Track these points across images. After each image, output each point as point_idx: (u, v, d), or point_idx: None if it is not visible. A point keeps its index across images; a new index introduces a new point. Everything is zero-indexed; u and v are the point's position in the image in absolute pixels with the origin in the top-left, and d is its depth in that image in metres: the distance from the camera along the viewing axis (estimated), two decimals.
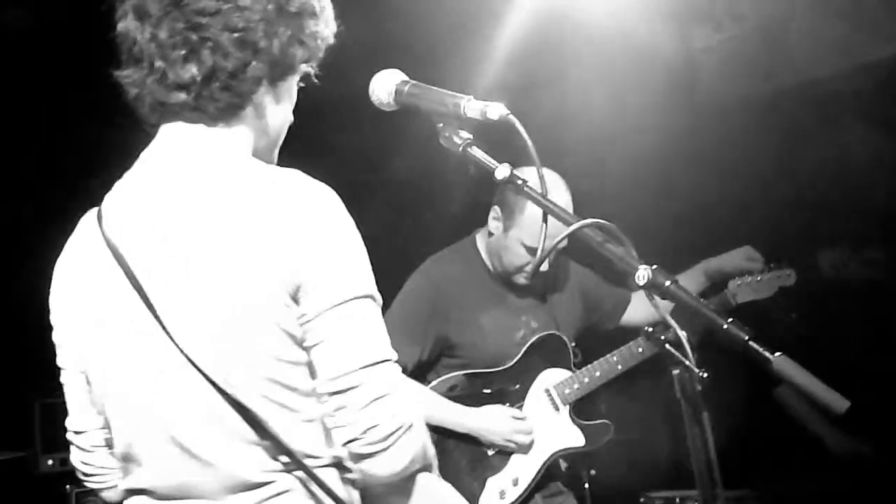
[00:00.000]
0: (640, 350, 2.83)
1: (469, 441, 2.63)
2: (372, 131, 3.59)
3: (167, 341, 1.58)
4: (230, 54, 1.60)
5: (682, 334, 1.38)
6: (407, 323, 2.59)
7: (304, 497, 1.61)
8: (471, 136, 1.68)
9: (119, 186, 1.72)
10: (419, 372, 2.65)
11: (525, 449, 2.75)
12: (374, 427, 1.52)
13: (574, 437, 2.82)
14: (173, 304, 1.59)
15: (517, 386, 2.82)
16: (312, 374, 1.57)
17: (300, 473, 1.61)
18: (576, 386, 2.84)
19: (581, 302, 2.92)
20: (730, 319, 1.29)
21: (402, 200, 4.38)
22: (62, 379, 1.80)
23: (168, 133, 1.66)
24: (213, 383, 1.56)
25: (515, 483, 2.73)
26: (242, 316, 1.56)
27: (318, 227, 1.56)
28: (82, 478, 1.87)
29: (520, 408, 2.80)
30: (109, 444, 1.78)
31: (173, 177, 1.64)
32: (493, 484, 2.72)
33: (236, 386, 1.56)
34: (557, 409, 2.84)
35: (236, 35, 1.59)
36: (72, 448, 1.86)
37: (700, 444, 1.28)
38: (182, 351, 1.57)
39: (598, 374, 2.80)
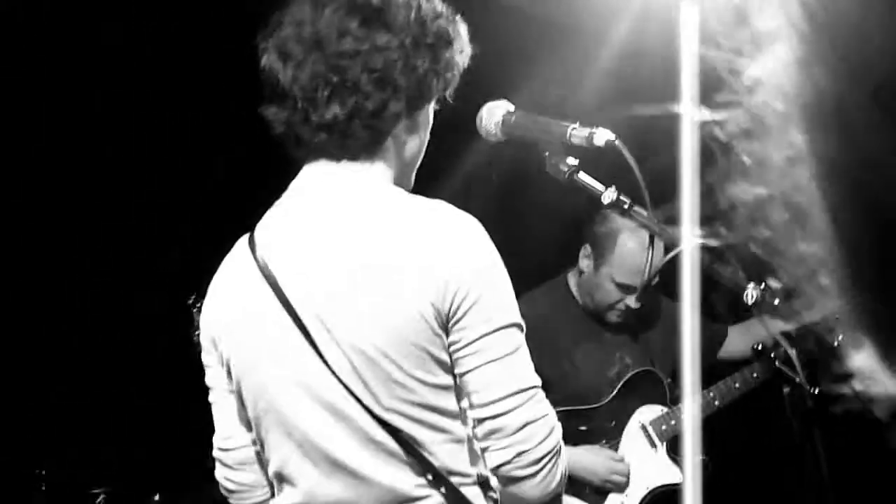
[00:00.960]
0: (741, 382, 2.91)
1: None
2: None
3: (322, 367, 1.66)
4: (370, 95, 1.66)
5: (792, 352, 1.40)
6: None
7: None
8: (577, 163, 1.71)
9: (270, 216, 1.80)
10: None
11: (622, 488, 2.81)
12: (526, 451, 1.59)
13: (671, 475, 2.93)
14: (328, 332, 1.66)
15: (613, 423, 2.93)
16: (459, 398, 1.64)
17: (449, 491, 1.67)
18: (672, 422, 2.93)
19: (676, 337, 2.94)
20: (840, 337, 1.32)
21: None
22: (210, 398, 1.88)
23: (314, 169, 1.74)
24: (367, 408, 1.63)
25: None
26: (395, 343, 1.63)
27: (470, 257, 1.62)
28: (226, 494, 1.93)
29: (616, 445, 2.89)
30: (257, 462, 1.87)
31: (324, 210, 1.72)
32: None
33: (388, 409, 1.63)
34: (654, 445, 2.92)
35: (375, 75, 1.65)
36: (217, 465, 1.92)
37: (812, 463, 1.30)
38: (336, 376, 1.65)
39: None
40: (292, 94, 1.66)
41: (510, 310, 1.62)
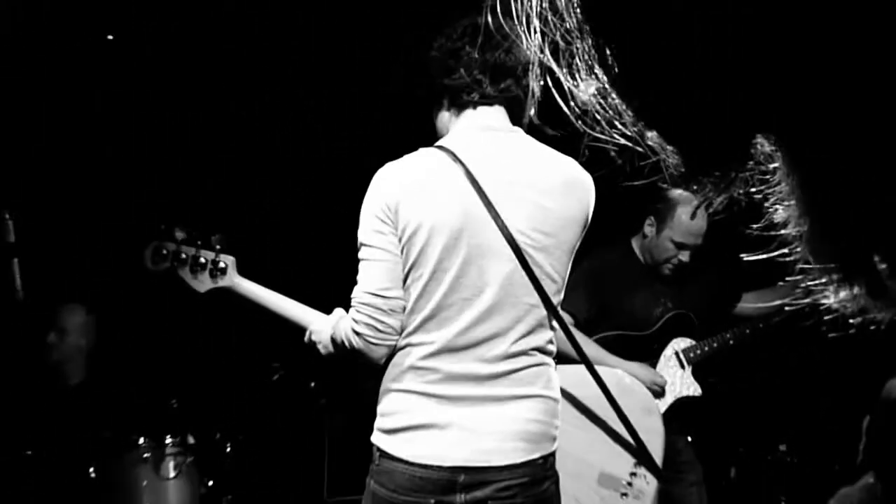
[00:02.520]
0: (751, 329, 3.49)
1: None
2: None
3: (507, 247, 1.99)
4: (522, 78, 2.07)
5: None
6: (580, 290, 3.27)
7: (548, 373, 2.08)
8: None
9: (456, 139, 2.10)
10: (588, 327, 3.34)
11: (658, 395, 3.34)
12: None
13: (693, 389, 3.53)
14: (512, 216, 2.00)
15: (655, 347, 3.54)
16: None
17: (549, 357, 2.09)
18: (698, 352, 3.55)
19: (707, 292, 3.66)
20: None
21: None
22: (368, 255, 2.02)
23: (494, 118, 2.10)
24: (534, 276, 1.99)
25: None
26: (565, 239, 2.06)
27: (593, 190, 2.08)
28: (370, 336, 2.01)
29: (655, 363, 3.50)
30: (402, 312, 2.03)
31: (521, 146, 2.09)
32: None
33: (542, 276, 2.02)
34: (683, 367, 3.54)
35: (521, 67, 2.07)
36: (369, 310, 2.01)
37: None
38: (520, 253, 1.99)
39: (715, 345, 3.56)
40: (476, 77, 2.05)
41: None
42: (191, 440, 3.60)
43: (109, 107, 4.02)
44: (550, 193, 2.03)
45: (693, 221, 3.44)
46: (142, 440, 3.48)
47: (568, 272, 2.10)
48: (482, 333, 1.98)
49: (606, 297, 3.47)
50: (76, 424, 3.65)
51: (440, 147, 2.05)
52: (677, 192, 3.43)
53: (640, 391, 2.58)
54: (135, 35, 3.84)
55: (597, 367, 2.33)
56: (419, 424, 1.99)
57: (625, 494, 2.50)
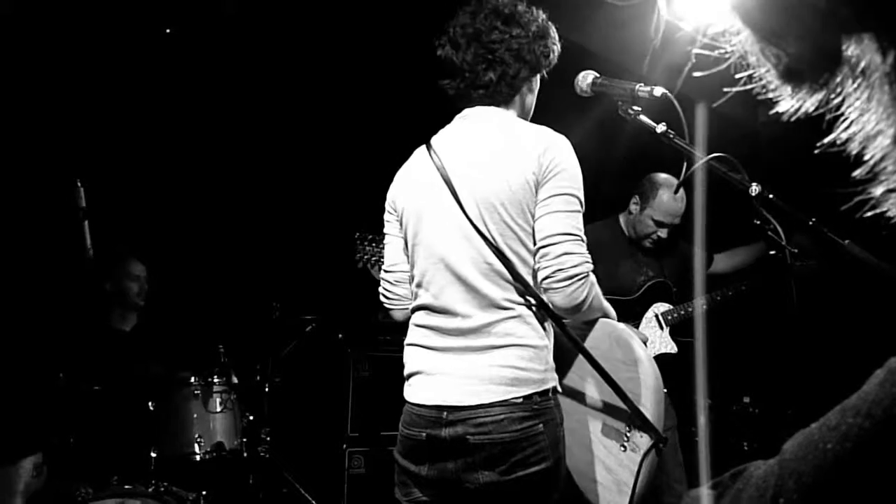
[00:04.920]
0: (733, 291, 3.72)
1: None
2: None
3: (461, 214, 2.08)
4: (510, 65, 2.09)
5: (779, 229, 1.76)
6: None
7: (524, 323, 2.10)
8: (640, 109, 2.02)
9: (441, 134, 2.21)
10: None
11: None
12: (559, 270, 2.00)
13: (670, 347, 3.83)
14: (468, 193, 2.08)
15: (638, 309, 3.83)
16: (534, 239, 2.05)
17: (521, 307, 2.11)
18: (675, 315, 3.86)
19: (682, 263, 3.97)
20: (813, 220, 1.64)
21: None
22: (387, 240, 2.28)
23: (472, 111, 2.18)
24: (485, 238, 2.05)
25: None
26: (508, 199, 2.05)
27: (559, 151, 2.06)
28: (384, 300, 2.31)
29: (637, 324, 3.79)
30: (408, 282, 2.22)
31: (476, 126, 2.16)
32: None
33: (499, 241, 2.06)
34: (662, 328, 3.82)
35: (513, 53, 2.09)
36: (383, 283, 2.29)
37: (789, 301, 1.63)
38: (470, 219, 2.07)
39: (690, 309, 3.87)
40: (462, 69, 2.12)
41: (575, 186, 2.04)
42: (234, 380, 4.01)
43: (170, 82, 4.30)
44: (486, 165, 2.11)
45: (672, 203, 3.75)
46: (192, 379, 3.86)
47: (531, 224, 2.11)
48: (455, 293, 2.11)
49: (596, 265, 3.75)
50: (133, 365, 4.08)
51: (428, 142, 2.24)
52: (661, 177, 3.79)
53: (631, 342, 2.41)
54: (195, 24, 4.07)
55: (600, 321, 2.43)
56: (416, 372, 2.20)
57: (623, 447, 2.48)
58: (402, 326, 2.28)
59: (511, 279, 2.06)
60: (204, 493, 3.69)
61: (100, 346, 4.11)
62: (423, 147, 2.21)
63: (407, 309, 2.25)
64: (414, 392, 2.18)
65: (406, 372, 2.24)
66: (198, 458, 3.76)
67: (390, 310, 2.30)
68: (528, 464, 2.08)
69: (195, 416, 3.80)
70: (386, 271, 2.27)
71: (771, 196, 1.69)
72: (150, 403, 3.77)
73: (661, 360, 3.77)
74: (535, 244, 2.05)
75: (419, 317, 2.19)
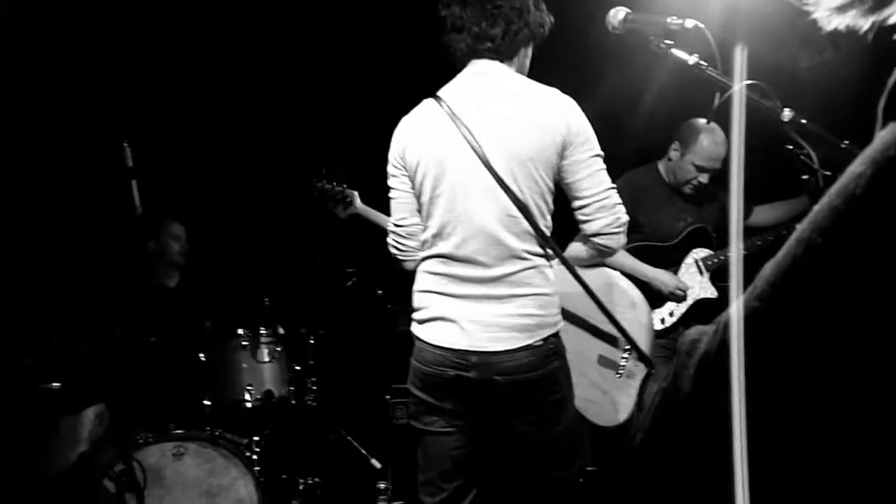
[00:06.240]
0: (773, 236, 3.63)
1: (644, 287, 3.29)
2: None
3: (483, 167, 2.16)
4: (514, 21, 2.20)
5: (812, 153, 1.76)
6: None
7: (540, 273, 2.25)
8: (672, 42, 1.98)
9: (451, 87, 2.28)
10: None
11: (679, 299, 3.74)
12: (618, 218, 2.21)
13: (710, 292, 3.81)
14: (497, 146, 2.15)
15: (678, 255, 3.82)
16: (565, 195, 2.21)
17: (537, 258, 2.26)
18: (715, 260, 3.83)
19: (721, 210, 3.94)
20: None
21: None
22: (392, 195, 2.35)
23: (477, 64, 2.26)
24: (510, 191, 2.15)
25: (671, 314, 3.78)
26: (537, 154, 2.16)
27: (579, 113, 2.19)
28: (395, 252, 2.42)
29: (677, 270, 3.79)
30: (418, 235, 2.33)
31: (493, 83, 2.23)
32: (657, 314, 3.73)
33: (525, 193, 2.16)
34: (702, 273, 3.81)
35: (516, 11, 2.21)
36: (393, 237, 2.39)
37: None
38: (496, 172, 2.15)
39: (729, 254, 3.80)
40: (468, 23, 2.21)
41: (598, 147, 2.22)
42: (281, 332, 4.11)
43: (216, 42, 4.37)
44: (515, 120, 2.19)
45: (713, 147, 3.72)
46: (241, 331, 3.97)
47: (552, 178, 2.26)
48: (477, 244, 2.22)
49: (636, 212, 3.66)
50: (181, 318, 4.24)
51: (436, 95, 2.30)
52: (701, 122, 3.76)
53: (627, 289, 2.75)
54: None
55: (592, 269, 2.58)
56: (435, 317, 2.32)
57: (619, 374, 2.75)
58: None
59: (532, 231, 2.19)
60: (256, 438, 3.81)
61: (149, 302, 4.26)
62: (431, 100, 2.26)
63: (417, 259, 2.37)
64: (435, 335, 2.31)
65: (421, 316, 2.36)
66: (249, 405, 3.88)
67: (403, 261, 2.43)
68: (549, 393, 2.32)
69: (244, 366, 3.89)
70: (397, 225, 2.37)
71: (804, 121, 1.71)
72: (201, 355, 3.88)
73: (701, 304, 3.87)
74: (575, 199, 2.22)
75: (434, 265, 2.30)
